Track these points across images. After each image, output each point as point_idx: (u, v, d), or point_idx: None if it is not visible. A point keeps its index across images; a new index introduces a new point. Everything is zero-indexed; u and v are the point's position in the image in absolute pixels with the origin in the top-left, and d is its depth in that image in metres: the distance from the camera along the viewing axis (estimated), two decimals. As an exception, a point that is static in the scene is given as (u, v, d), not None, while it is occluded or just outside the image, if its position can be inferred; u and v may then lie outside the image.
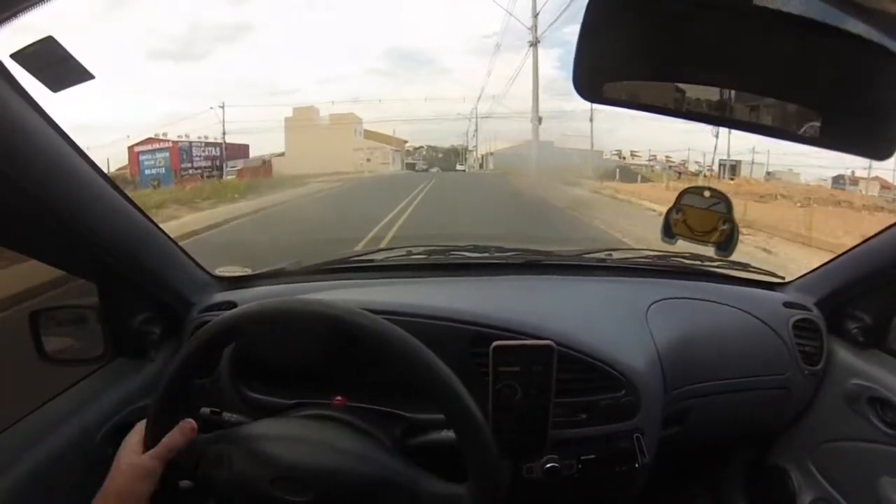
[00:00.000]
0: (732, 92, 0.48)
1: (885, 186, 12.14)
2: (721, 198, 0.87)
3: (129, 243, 0.80)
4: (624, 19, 0.44)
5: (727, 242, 0.87)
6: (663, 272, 1.16)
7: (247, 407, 0.83)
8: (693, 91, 0.49)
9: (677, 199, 0.89)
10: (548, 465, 0.79)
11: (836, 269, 1.06)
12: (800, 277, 1.15)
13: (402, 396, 0.77)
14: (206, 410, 0.72)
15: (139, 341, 0.89)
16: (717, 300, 1.07)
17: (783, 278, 1.18)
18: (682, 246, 0.99)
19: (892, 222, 0.91)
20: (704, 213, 0.87)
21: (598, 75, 0.47)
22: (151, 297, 0.91)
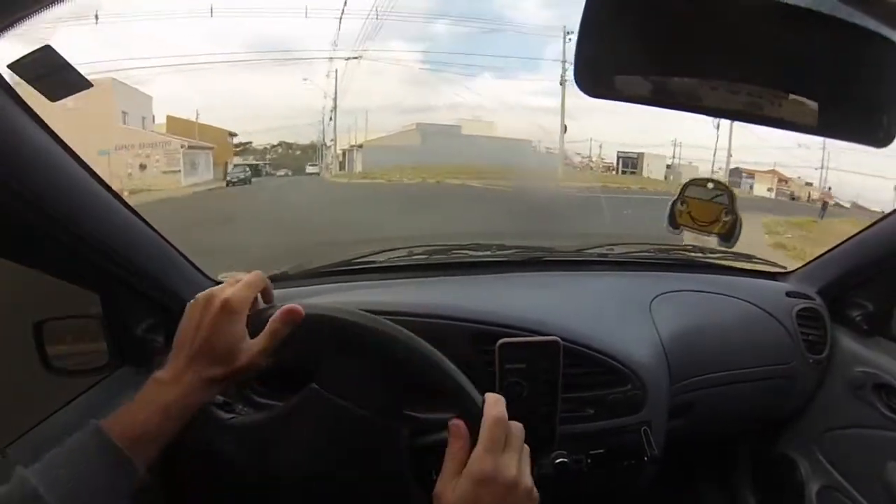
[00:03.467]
0: (733, 83, 0.48)
1: (781, 180, 10.47)
2: (724, 190, 0.88)
3: (130, 250, 0.80)
4: (623, 12, 0.44)
5: (730, 233, 0.88)
6: (665, 265, 1.16)
7: (250, 409, 0.83)
8: (691, 84, 0.49)
9: (681, 190, 0.90)
10: (557, 461, 0.79)
11: (837, 257, 1.07)
12: (802, 267, 1.15)
13: (409, 397, 0.77)
14: (218, 399, 0.71)
15: (143, 349, 0.89)
16: (720, 292, 1.07)
17: (785, 268, 1.18)
18: (685, 238, 0.99)
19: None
20: (707, 204, 0.88)
21: (599, 70, 0.47)
22: (154, 304, 0.91)
